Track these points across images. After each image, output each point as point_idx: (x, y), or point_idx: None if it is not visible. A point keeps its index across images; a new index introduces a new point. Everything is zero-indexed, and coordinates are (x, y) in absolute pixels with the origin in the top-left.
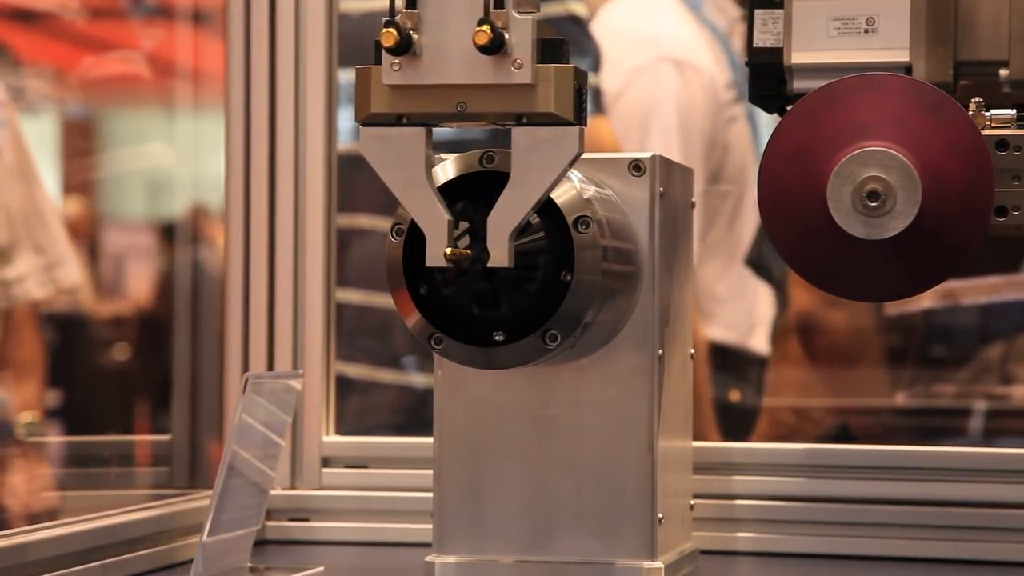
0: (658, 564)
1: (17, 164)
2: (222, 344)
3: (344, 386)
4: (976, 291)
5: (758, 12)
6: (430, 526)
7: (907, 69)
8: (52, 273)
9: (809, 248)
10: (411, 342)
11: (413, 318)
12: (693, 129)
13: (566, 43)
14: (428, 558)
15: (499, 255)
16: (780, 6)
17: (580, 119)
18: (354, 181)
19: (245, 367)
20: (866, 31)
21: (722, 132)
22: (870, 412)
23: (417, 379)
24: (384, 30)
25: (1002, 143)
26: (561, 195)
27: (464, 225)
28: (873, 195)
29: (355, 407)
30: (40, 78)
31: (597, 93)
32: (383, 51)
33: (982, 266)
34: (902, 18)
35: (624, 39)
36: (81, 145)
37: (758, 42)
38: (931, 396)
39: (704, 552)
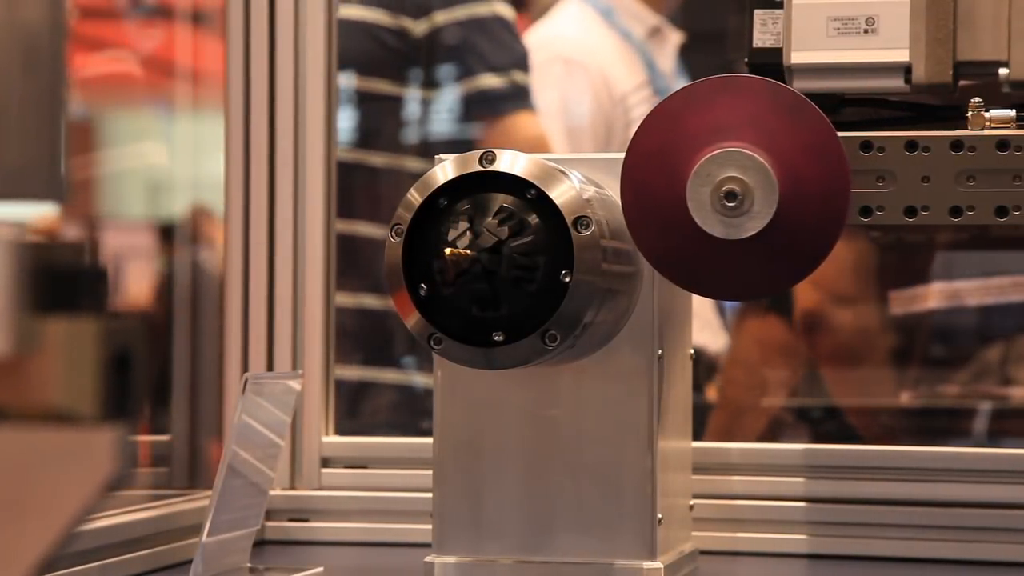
0: (658, 564)
1: None
2: (222, 344)
3: (344, 386)
4: (982, 292)
5: (758, 12)
6: (430, 526)
7: (907, 69)
8: None
9: (672, 248)
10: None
11: (412, 318)
12: (597, 126)
13: (105, 274)
14: (428, 558)
15: None
16: (780, 6)
17: (124, 411)
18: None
19: (245, 367)
20: (866, 31)
21: (622, 132)
22: (872, 412)
23: (417, 379)
24: None
25: (1003, 143)
26: (561, 195)
27: (464, 226)
28: (731, 195)
29: (355, 407)
30: None
31: (524, 91)
32: None
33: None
34: (902, 18)
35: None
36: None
37: (758, 42)
38: (935, 396)
39: (704, 552)
